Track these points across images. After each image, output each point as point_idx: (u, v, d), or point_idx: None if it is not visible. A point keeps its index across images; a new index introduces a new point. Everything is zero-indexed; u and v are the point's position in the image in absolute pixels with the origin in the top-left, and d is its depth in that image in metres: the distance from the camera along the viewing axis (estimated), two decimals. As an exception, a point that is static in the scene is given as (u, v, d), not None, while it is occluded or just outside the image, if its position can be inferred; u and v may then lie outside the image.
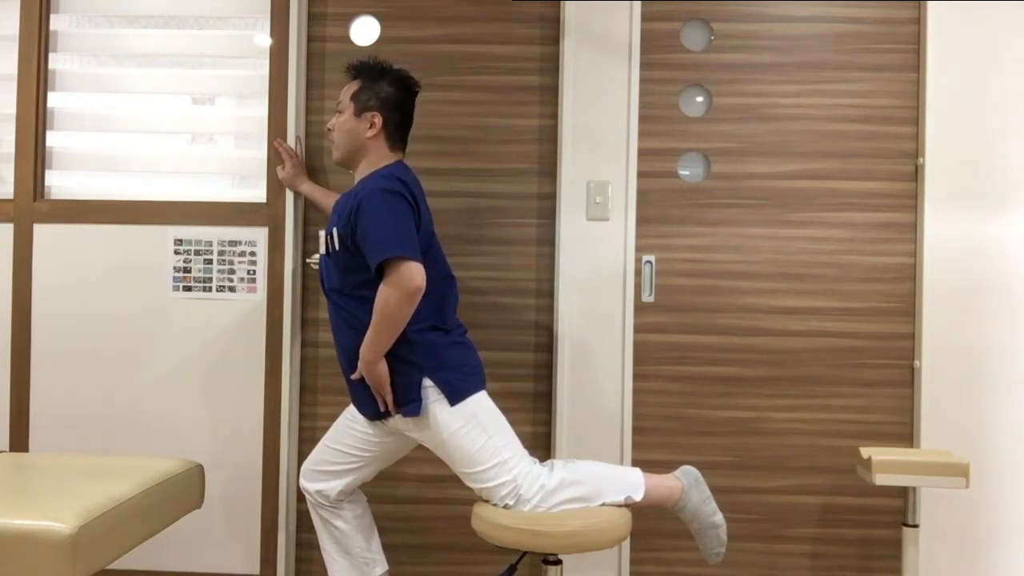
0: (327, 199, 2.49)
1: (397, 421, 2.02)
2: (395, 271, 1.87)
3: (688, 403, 2.55)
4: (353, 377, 2.01)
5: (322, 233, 2.08)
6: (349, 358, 2.03)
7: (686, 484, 2.06)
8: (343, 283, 2.00)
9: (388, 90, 2.09)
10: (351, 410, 2.15)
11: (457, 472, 2.01)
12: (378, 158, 2.08)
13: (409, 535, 2.60)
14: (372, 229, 1.90)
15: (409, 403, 1.96)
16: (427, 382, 1.96)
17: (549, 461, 2.06)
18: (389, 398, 1.96)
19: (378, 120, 2.07)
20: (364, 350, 1.94)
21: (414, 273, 1.87)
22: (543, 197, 2.59)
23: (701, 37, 2.58)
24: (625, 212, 2.52)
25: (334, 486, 2.13)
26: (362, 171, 2.09)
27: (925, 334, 2.48)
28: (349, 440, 2.12)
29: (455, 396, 1.96)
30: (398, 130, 2.11)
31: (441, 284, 2.04)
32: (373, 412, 2.03)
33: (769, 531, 2.54)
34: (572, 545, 1.89)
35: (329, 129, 2.14)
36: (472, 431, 1.96)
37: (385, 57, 2.56)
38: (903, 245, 2.53)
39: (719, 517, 2.06)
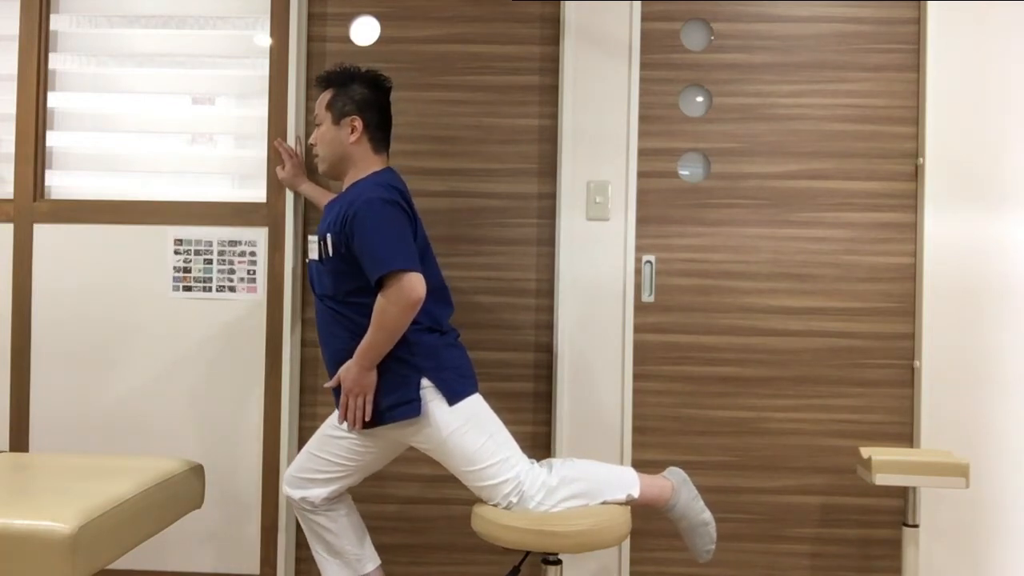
0: (327, 199, 2.48)
1: (393, 425, 1.99)
2: (396, 283, 1.87)
3: (688, 403, 2.55)
4: (328, 385, 2.01)
5: (312, 237, 2.07)
6: (339, 362, 2.02)
7: (675, 483, 2.08)
8: (336, 289, 2.00)
9: (361, 91, 2.09)
10: (336, 417, 2.12)
11: (457, 472, 2.00)
12: (364, 164, 2.08)
13: (409, 535, 2.60)
14: (372, 241, 1.89)
15: (408, 403, 1.95)
16: (425, 382, 1.96)
17: (546, 460, 2.06)
18: (368, 408, 1.94)
19: (358, 123, 2.07)
20: (359, 357, 1.92)
21: (415, 284, 1.87)
22: (543, 197, 2.59)
23: (701, 37, 2.58)
24: (625, 212, 2.52)
25: (319, 493, 2.09)
26: (351, 178, 2.09)
27: (925, 334, 2.48)
28: (335, 449, 2.08)
29: (453, 396, 1.97)
30: (379, 130, 2.11)
31: (435, 292, 2.04)
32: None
33: (769, 531, 2.54)
34: (579, 544, 1.89)
35: (312, 144, 2.13)
36: (472, 430, 1.96)
37: (385, 57, 2.58)
38: (903, 245, 2.53)
39: (708, 515, 2.08)
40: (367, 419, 1.96)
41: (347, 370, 1.95)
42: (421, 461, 2.55)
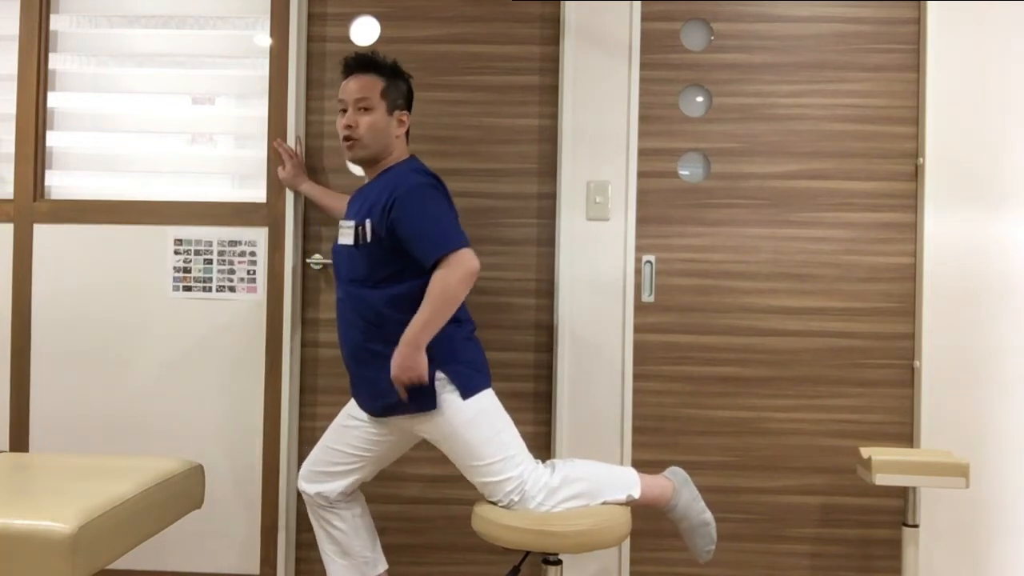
0: (328, 198, 2.49)
1: (406, 416, 2.01)
2: (455, 257, 1.90)
3: (688, 403, 2.55)
4: (398, 370, 1.92)
5: (344, 223, 2.07)
6: (355, 351, 2.04)
7: (676, 483, 2.08)
8: (369, 274, 2.00)
9: (407, 88, 2.14)
10: (351, 408, 2.15)
11: (462, 466, 2.01)
12: (398, 154, 2.11)
13: (409, 535, 2.60)
14: (424, 224, 1.93)
15: (423, 395, 1.95)
16: (440, 374, 1.97)
17: (549, 461, 2.06)
18: (424, 377, 1.91)
19: (406, 118, 2.12)
20: (413, 335, 1.89)
21: (472, 258, 1.92)
22: (543, 197, 2.59)
23: (701, 37, 2.58)
24: (625, 212, 2.52)
25: (335, 487, 2.12)
26: (382, 166, 2.10)
27: (925, 334, 2.48)
28: (350, 440, 2.12)
29: (467, 390, 1.97)
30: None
31: None
32: (380, 408, 2.03)
33: (769, 531, 2.54)
34: (579, 544, 1.90)
35: (349, 126, 2.05)
36: (482, 424, 1.97)
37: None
38: (903, 245, 2.53)
39: (708, 515, 2.09)
40: (424, 382, 1.92)
41: (396, 355, 1.91)
42: (422, 461, 2.55)
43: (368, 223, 1.99)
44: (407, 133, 2.15)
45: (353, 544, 2.14)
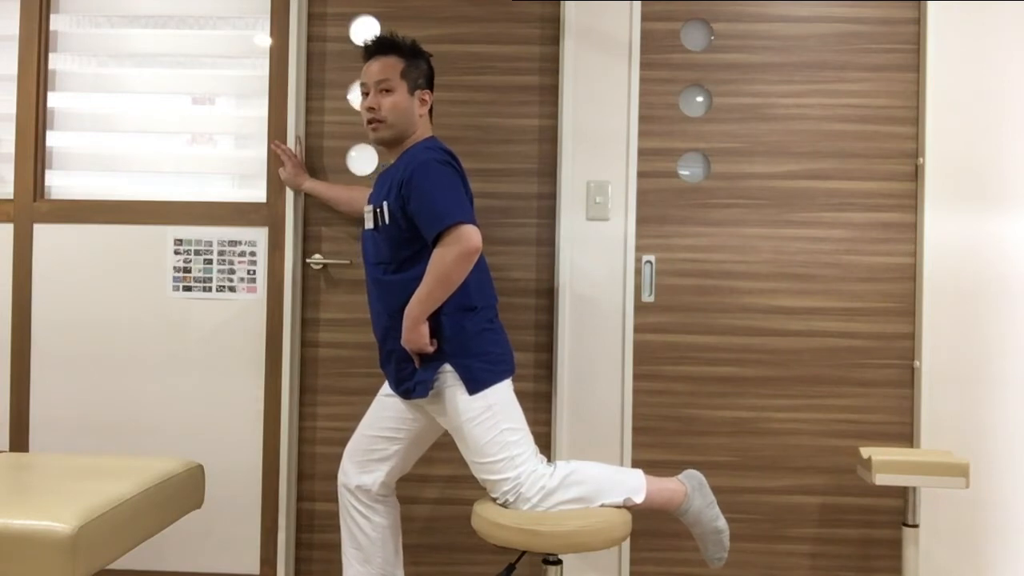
0: (332, 191, 2.51)
1: (419, 402, 2.05)
2: (453, 233, 1.89)
3: (688, 403, 2.55)
4: (403, 342, 1.98)
5: (367, 207, 2.10)
6: (383, 337, 2.06)
7: (689, 488, 2.06)
8: (392, 256, 2.01)
9: (427, 67, 2.15)
10: (385, 387, 2.18)
11: (467, 459, 2.03)
12: (421, 132, 2.12)
13: (409, 535, 2.60)
14: (428, 199, 1.92)
15: (421, 383, 1.98)
16: (447, 367, 1.97)
17: (555, 462, 2.06)
18: (426, 346, 1.96)
19: (428, 97, 2.13)
20: (411, 308, 1.93)
21: (472, 234, 1.89)
22: (543, 197, 2.59)
23: (701, 37, 2.58)
24: (625, 212, 2.52)
25: (376, 477, 2.12)
26: (404, 146, 2.10)
27: (925, 334, 2.48)
28: (385, 422, 2.13)
29: (474, 385, 1.97)
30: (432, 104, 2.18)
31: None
32: (401, 391, 2.06)
33: (769, 531, 2.54)
34: (570, 545, 1.89)
35: (372, 108, 2.07)
36: (486, 422, 1.97)
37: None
38: (903, 245, 2.53)
39: (722, 523, 2.05)
40: (432, 349, 1.97)
41: (404, 323, 1.96)
42: (421, 461, 2.55)
43: (385, 204, 2.00)
44: (431, 112, 2.16)
45: (376, 554, 2.14)
